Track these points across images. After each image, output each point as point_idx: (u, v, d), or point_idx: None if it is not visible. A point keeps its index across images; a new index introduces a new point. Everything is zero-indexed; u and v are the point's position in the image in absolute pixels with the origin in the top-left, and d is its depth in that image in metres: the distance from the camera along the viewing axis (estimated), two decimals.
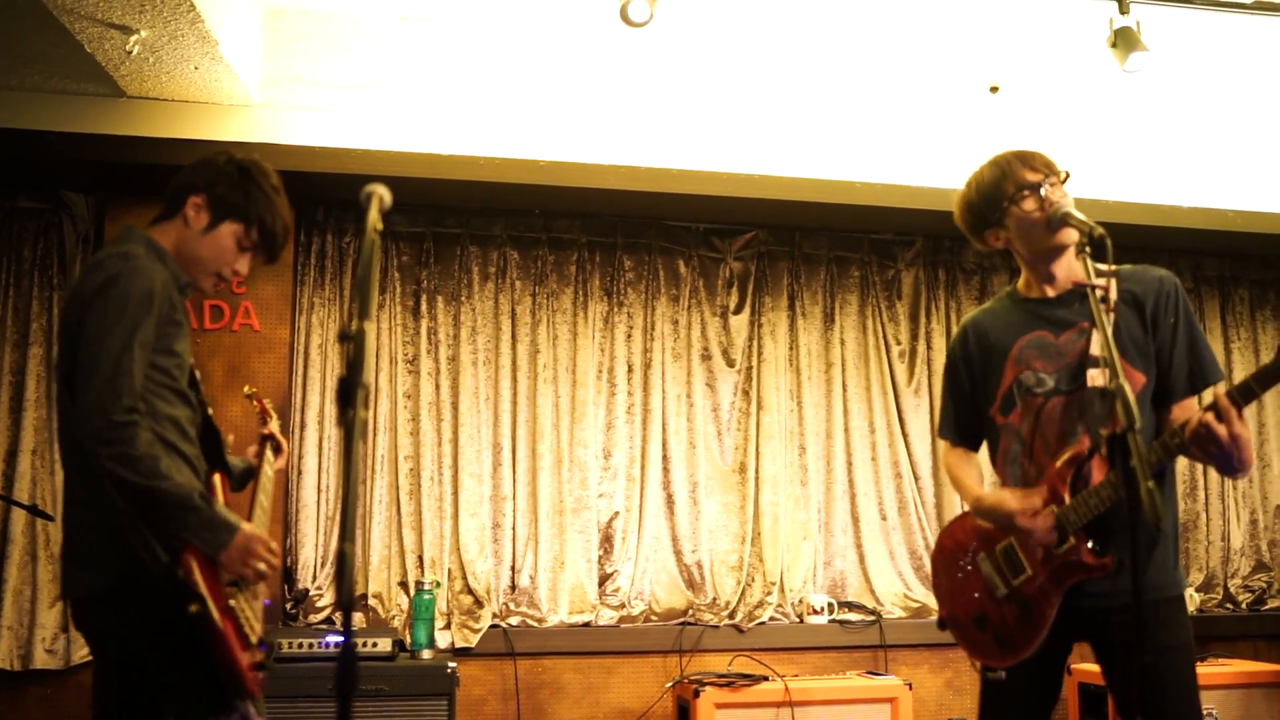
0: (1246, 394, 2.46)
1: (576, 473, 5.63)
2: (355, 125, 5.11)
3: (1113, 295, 2.59)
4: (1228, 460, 2.49)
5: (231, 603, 2.59)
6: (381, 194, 2.15)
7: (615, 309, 5.80)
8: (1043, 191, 2.77)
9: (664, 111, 5.43)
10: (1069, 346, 2.79)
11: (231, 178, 2.80)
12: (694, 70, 5.50)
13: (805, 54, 5.60)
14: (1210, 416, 2.45)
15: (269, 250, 2.87)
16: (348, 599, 1.92)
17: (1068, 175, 2.82)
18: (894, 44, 5.60)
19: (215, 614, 2.52)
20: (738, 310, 5.95)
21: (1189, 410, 2.72)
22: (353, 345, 1.96)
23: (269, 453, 3.15)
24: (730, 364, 5.89)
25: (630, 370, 5.79)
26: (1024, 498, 2.73)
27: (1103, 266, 2.57)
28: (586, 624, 5.50)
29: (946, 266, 6.20)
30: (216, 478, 2.85)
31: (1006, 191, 2.80)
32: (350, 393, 1.97)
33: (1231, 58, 5.79)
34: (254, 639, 2.65)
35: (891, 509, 5.93)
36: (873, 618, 5.70)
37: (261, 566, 2.61)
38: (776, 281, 6.00)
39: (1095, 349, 2.71)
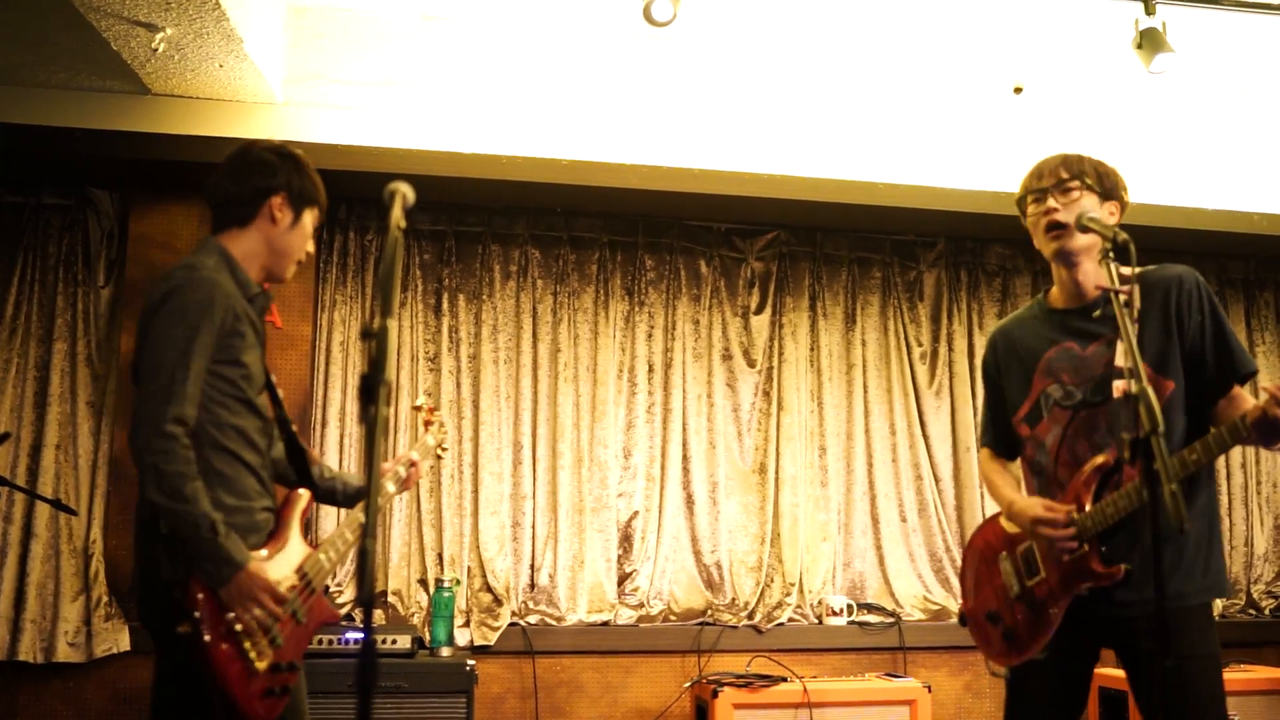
0: None
1: (596, 472, 5.63)
2: (378, 123, 5.13)
3: (1137, 301, 2.59)
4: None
5: (237, 627, 2.58)
6: (405, 192, 2.16)
7: (636, 308, 5.80)
8: (1048, 199, 2.83)
9: (686, 111, 5.43)
10: (1096, 358, 2.80)
11: (294, 168, 2.91)
12: (716, 70, 5.49)
13: (827, 54, 5.59)
14: (1272, 403, 2.42)
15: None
16: (368, 596, 1.93)
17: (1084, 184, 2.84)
18: (917, 44, 5.58)
19: (206, 637, 2.53)
20: (759, 310, 5.94)
21: (1239, 400, 2.71)
22: (375, 342, 1.97)
23: (400, 467, 3.20)
24: (751, 364, 5.89)
25: (651, 370, 5.79)
26: (1050, 506, 2.75)
27: (1126, 271, 2.57)
28: (605, 623, 5.50)
29: (969, 268, 6.18)
30: (303, 492, 2.89)
31: (1029, 186, 2.92)
32: (372, 390, 1.97)
33: (1257, 59, 5.75)
34: (261, 665, 2.62)
35: (912, 511, 5.91)
36: (892, 620, 5.68)
37: (258, 612, 2.59)
38: (798, 282, 5.99)
39: (1120, 359, 2.71)
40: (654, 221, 5.83)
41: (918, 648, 5.64)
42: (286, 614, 2.66)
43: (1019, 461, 3.06)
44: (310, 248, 2.96)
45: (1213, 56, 5.68)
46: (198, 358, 2.59)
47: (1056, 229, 2.80)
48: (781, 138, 5.49)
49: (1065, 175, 2.84)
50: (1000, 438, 3.07)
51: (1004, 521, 2.97)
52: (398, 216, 2.22)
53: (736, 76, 5.51)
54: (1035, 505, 2.78)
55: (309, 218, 2.91)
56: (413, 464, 3.24)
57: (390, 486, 3.16)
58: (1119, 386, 2.71)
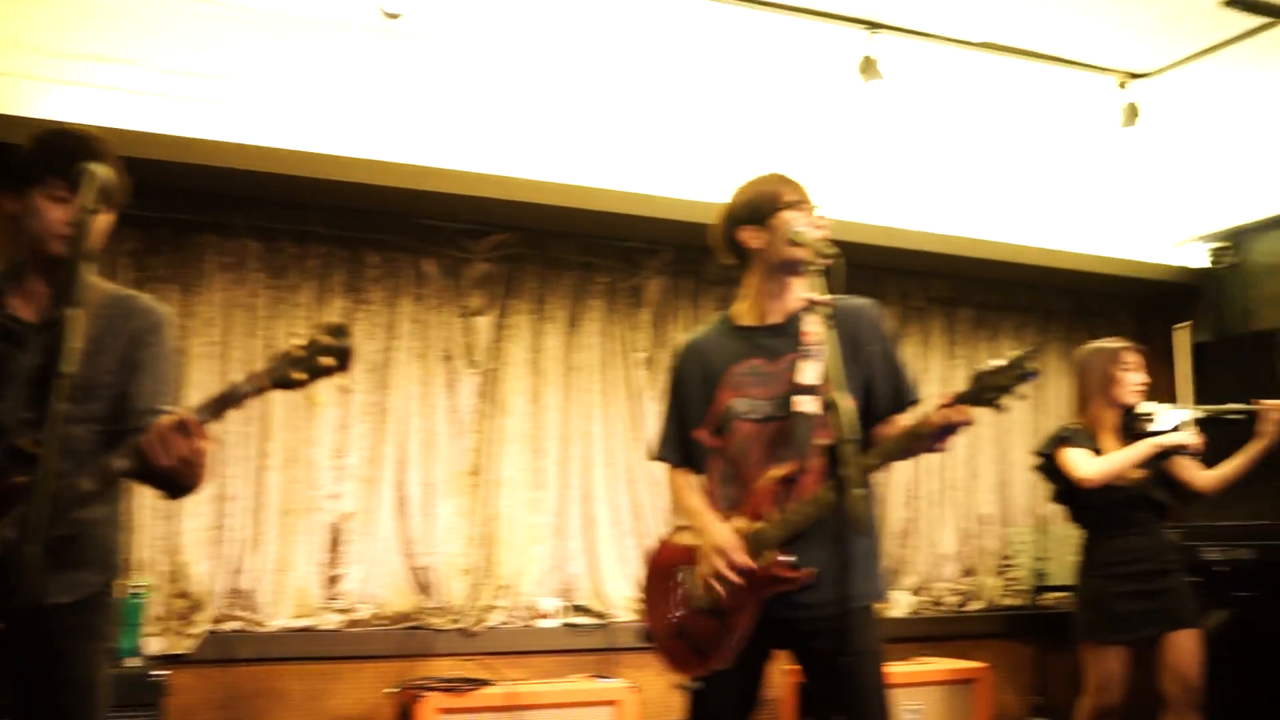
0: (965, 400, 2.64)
1: (306, 472, 5.44)
2: (86, 98, 4.78)
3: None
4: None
5: None
6: (99, 172, 2.02)
7: (357, 305, 5.65)
8: (813, 215, 2.92)
9: (418, 108, 5.35)
10: (782, 374, 2.90)
11: (18, 155, 2.62)
12: (451, 68, 5.44)
13: (562, 59, 5.62)
14: (947, 413, 2.63)
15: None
16: (26, 603, 1.78)
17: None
18: (648, 56, 5.67)
19: None
20: (483, 312, 5.88)
21: (893, 426, 2.90)
22: (56, 333, 1.84)
23: None
24: (472, 365, 5.82)
25: (370, 368, 5.64)
26: (738, 549, 2.81)
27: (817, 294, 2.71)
28: (309, 629, 5.32)
29: (692, 277, 6.31)
30: None
31: (786, 196, 2.94)
32: (50, 382, 1.84)
33: (963, 91, 6.11)
34: None
35: (626, 514, 5.99)
36: (602, 621, 5.75)
37: None
38: (523, 285, 5.97)
39: (803, 377, 2.84)
40: (380, 217, 5.68)
41: (627, 649, 5.70)
42: None
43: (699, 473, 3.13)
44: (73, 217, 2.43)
45: (926, 86, 6.01)
46: None
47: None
48: (513, 140, 5.48)
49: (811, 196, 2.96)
50: (681, 449, 3.10)
51: (684, 536, 3.03)
52: (88, 197, 2.07)
53: (471, 76, 5.46)
54: (729, 539, 2.84)
55: (39, 195, 2.56)
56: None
57: None
58: (801, 402, 2.82)
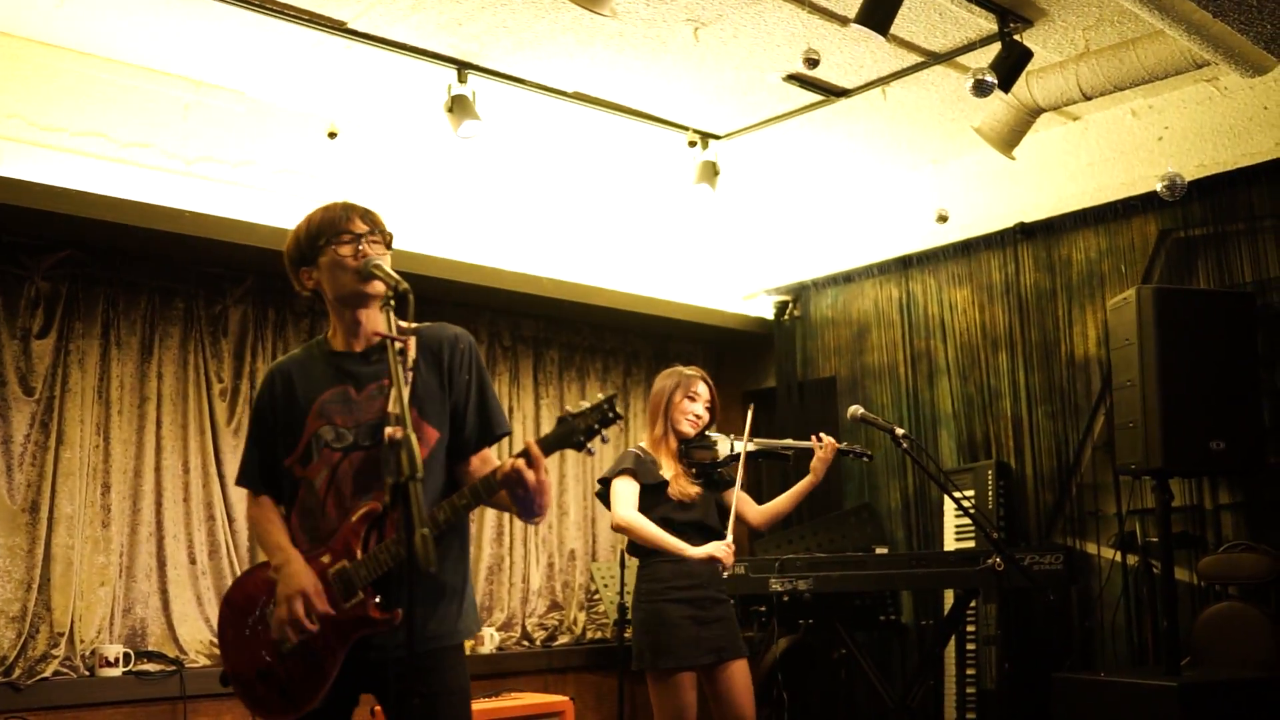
0: (547, 448, 2.66)
1: None
2: None
3: (412, 352, 2.77)
4: (531, 504, 2.67)
5: None
6: None
7: None
8: (361, 244, 2.82)
9: None
10: (370, 403, 2.82)
11: None
12: (11, 71, 5.02)
13: (143, 74, 5.33)
14: (521, 462, 2.62)
15: None
16: None
17: (391, 239, 2.90)
18: (234, 76, 5.49)
19: None
20: (42, 334, 5.38)
21: (487, 461, 2.88)
22: None
23: None
24: (29, 392, 5.31)
25: None
26: (315, 590, 2.70)
27: (404, 324, 2.72)
28: None
29: (277, 307, 6.09)
30: None
31: (327, 233, 2.84)
32: None
33: (557, 138, 6.32)
34: None
35: (202, 553, 5.65)
36: (173, 668, 5.38)
37: None
38: (91, 307, 5.53)
39: (392, 405, 2.78)
40: None
41: (202, 696, 5.37)
42: None
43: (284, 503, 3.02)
44: None
45: (517, 130, 6.17)
46: None
47: (369, 277, 2.79)
48: (82, 153, 5.13)
49: (377, 225, 2.88)
50: (266, 477, 2.97)
51: (271, 573, 2.84)
52: None
53: (35, 82, 5.07)
54: (309, 582, 2.70)
55: None
56: None
57: None
58: (390, 432, 2.73)
